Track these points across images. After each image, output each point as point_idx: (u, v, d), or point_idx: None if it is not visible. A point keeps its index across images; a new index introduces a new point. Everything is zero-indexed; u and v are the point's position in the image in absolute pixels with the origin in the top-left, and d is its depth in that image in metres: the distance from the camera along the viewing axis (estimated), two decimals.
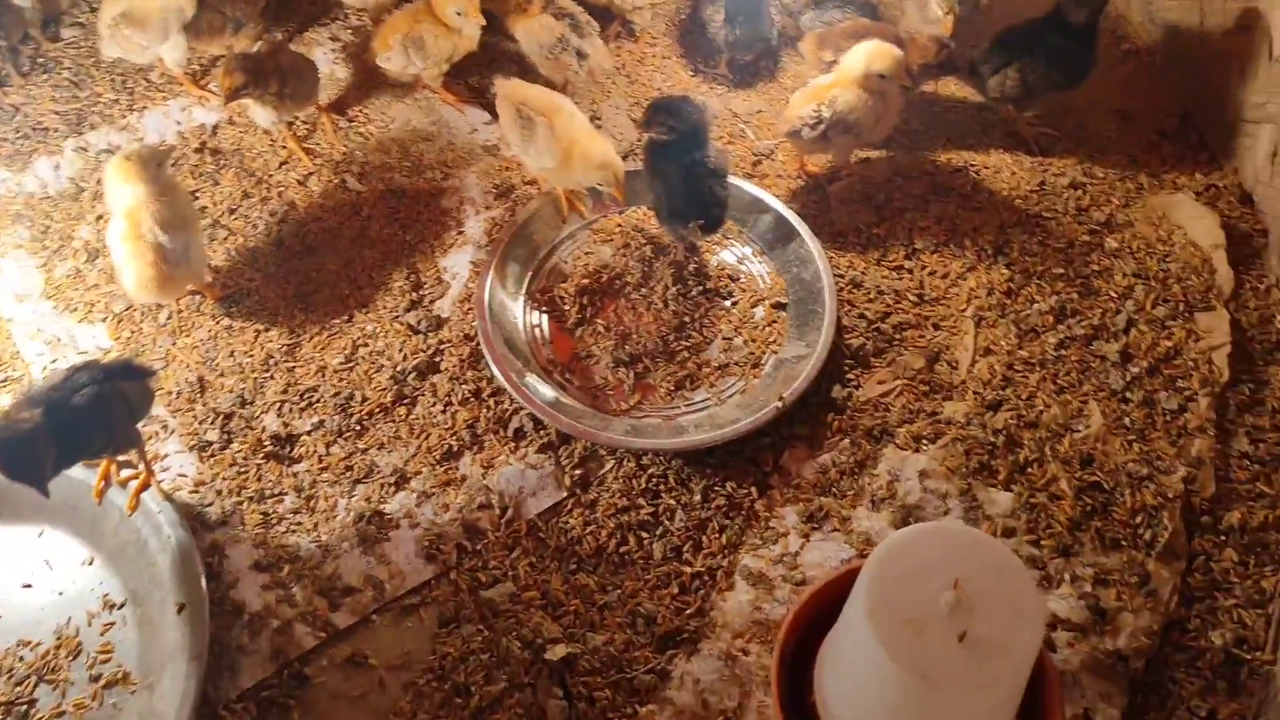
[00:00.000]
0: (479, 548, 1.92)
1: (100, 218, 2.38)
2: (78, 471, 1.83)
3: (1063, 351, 2.10)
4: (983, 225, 2.31)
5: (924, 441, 1.99)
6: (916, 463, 1.95)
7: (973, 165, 2.43)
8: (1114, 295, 2.18)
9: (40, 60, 2.70)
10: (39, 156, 2.51)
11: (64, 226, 2.39)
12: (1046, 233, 2.29)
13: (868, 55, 2.22)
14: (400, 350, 2.16)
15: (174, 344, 2.20)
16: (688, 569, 1.88)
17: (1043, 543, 1.84)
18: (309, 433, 2.07)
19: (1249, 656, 1.73)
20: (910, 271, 2.25)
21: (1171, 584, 1.79)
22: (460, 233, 2.37)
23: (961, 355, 2.11)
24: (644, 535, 1.93)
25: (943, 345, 2.13)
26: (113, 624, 1.83)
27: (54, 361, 2.17)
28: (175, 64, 2.57)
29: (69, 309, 2.26)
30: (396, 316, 2.22)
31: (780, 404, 1.98)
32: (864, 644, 1.44)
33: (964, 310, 2.17)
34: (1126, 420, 1.99)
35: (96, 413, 1.71)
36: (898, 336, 2.15)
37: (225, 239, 2.37)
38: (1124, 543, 1.84)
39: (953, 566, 1.42)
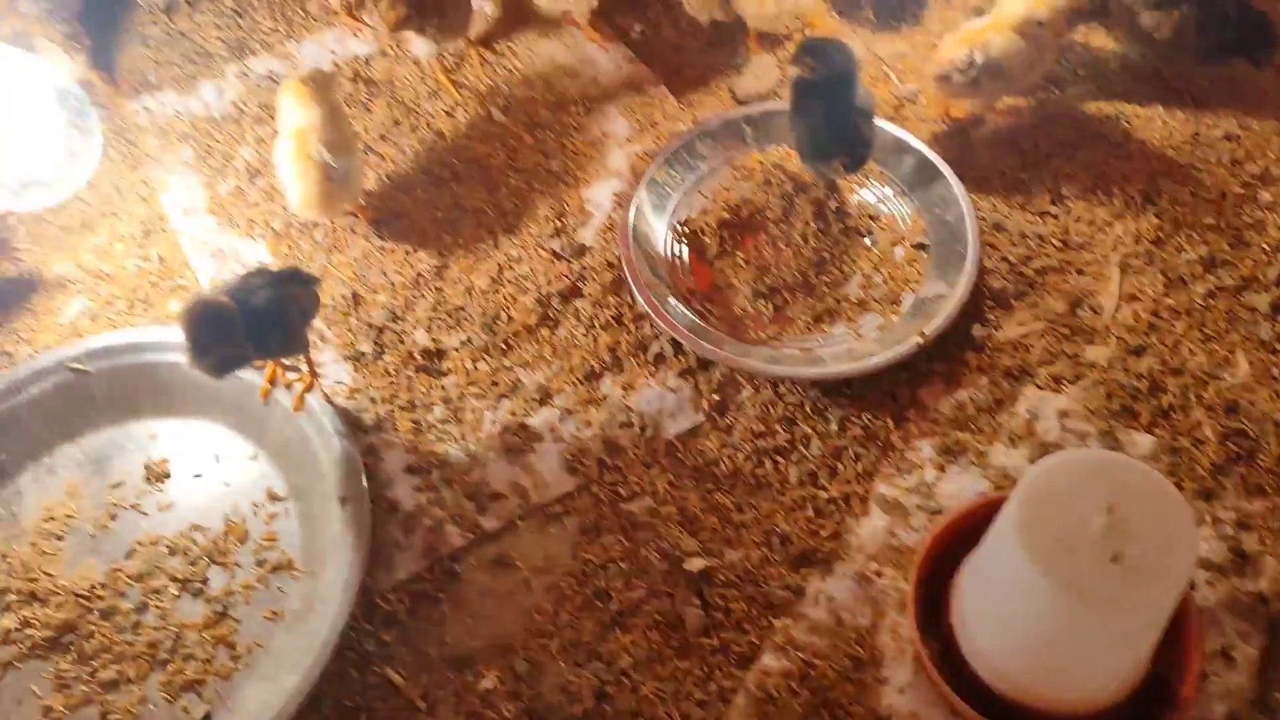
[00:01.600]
0: (619, 464, 1.99)
1: (260, 140, 2.50)
2: (244, 373, 1.95)
3: (1211, 301, 2.07)
4: (1132, 174, 2.28)
5: (1064, 382, 1.98)
6: (1056, 403, 1.95)
7: (1122, 114, 2.39)
8: (1266, 248, 2.13)
9: None
10: (203, 80, 2.63)
11: (226, 147, 2.52)
12: (1198, 183, 2.25)
13: (1028, 1, 2.20)
14: (544, 275, 2.23)
15: (329, 260, 2.31)
16: (823, 493, 1.92)
17: (1184, 485, 1.83)
18: (457, 349, 2.15)
19: None
20: (1055, 217, 2.23)
21: None
22: (603, 165, 2.42)
23: (1105, 300, 2.09)
24: (780, 460, 1.97)
25: (1086, 290, 2.12)
26: (276, 515, 1.94)
27: (219, 272, 2.30)
28: None
29: (231, 224, 2.38)
30: (541, 243, 2.29)
31: (921, 338, 2.00)
32: (1012, 562, 1.46)
33: (1109, 257, 2.15)
34: (1274, 371, 1.96)
35: (275, 314, 1.81)
36: (1040, 280, 2.14)
37: (377, 164, 2.46)
38: (1268, 490, 1.82)
39: (1106, 491, 1.44)
